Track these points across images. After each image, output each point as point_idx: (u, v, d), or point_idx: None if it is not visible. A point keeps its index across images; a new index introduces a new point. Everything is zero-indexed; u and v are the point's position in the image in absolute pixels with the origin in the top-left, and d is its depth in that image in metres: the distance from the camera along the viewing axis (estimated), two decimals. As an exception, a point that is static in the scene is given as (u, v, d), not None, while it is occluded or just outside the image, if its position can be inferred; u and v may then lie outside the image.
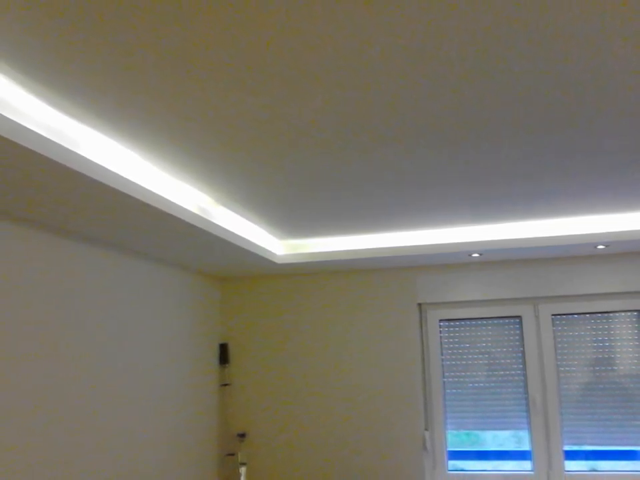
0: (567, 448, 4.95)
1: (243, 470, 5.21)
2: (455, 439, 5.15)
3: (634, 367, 4.90)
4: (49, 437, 3.26)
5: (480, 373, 5.14)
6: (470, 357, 5.18)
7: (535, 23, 1.79)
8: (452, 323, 5.26)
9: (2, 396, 2.95)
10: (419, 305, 5.34)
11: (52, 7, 1.65)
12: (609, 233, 4.41)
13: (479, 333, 5.19)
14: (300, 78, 2.12)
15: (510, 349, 5.13)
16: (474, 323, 5.21)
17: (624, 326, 4.97)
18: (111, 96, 2.23)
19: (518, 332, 5.14)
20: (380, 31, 1.82)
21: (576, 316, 5.07)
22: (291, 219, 4.18)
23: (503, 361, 5.12)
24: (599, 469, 4.90)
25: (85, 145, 2.50)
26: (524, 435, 5.04)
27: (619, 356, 4.94)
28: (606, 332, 4.99)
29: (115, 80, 2.10)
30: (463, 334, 5.22)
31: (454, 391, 5.17)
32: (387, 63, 2.02)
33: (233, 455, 5.43)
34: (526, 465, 5.02)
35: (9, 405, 2.99)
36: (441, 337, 5.27)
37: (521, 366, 5.09)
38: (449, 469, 5.12)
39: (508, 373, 5.10)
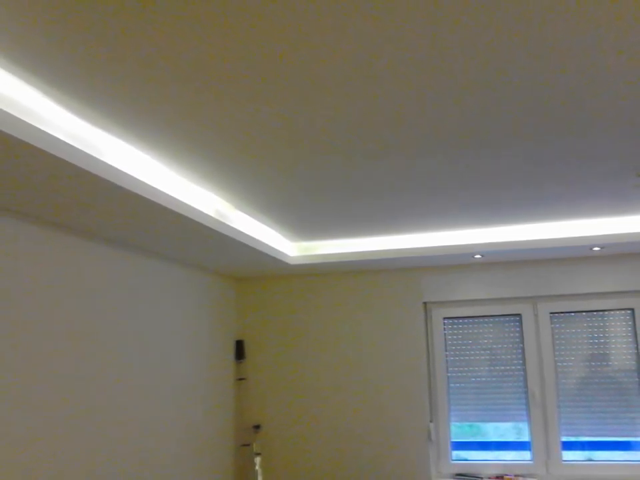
0: (564, 439, 4.92)
1: (257, 460, 5.20)
2: (458, 431, 5.12)
3: (628, 362, 4.87)
4: (75, 428, 3.26)
5: (482, 368, 5.11)
6: (472, 353, 5.15)
7: (534, 36, 1.77)
8: (455, 321, 5.23)
9: (31, 390, 2.96)
10: (424, 303, 5.32)
11: (78, 22, 1.65)
12: (604, 236, 4.38)
13: (481, 330, 5.16)
14: (311, 88, 2.11)
15: (510, 346, 5.10)
16: (476, 320, 5.18)
17: (618, 323, 4.94)
18: (133, 106, 2.22)
19: (518, 329, 5.11)
20: (387, 44, 1.81)
21: (573, 314, 5.03)
22: (303, 222, 4.17)
23: (503, 357, 5.09)
24: (595, 459, 4.87)
25: (109, 152, 2.50)
26: (524, 426, 5.00)
27: (613, 352, 4.91)
28: (601, 329, 4.96)
29: (137, 91, 2.10)
30: (465, 331, 5.19)
31: (457, 385, 5.14)
32: (393, 74, 2.00)
33: (248, 445, 5.42)
34: (525, 455, 4.99)
35: (38, 399, 3.00)
36: (445, 334, 5.24)
37: (521, 361, 5.06)
38: (453, 458, 5.09)
39: (508, 368, 5.07)
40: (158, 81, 2.03)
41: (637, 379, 4.84)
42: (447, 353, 5.21)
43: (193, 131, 2.47)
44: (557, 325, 5.05)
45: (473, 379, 5.12)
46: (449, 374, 5.18)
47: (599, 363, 4.92)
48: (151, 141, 2.57)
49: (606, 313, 4.98)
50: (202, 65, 1.92)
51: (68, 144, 2.25)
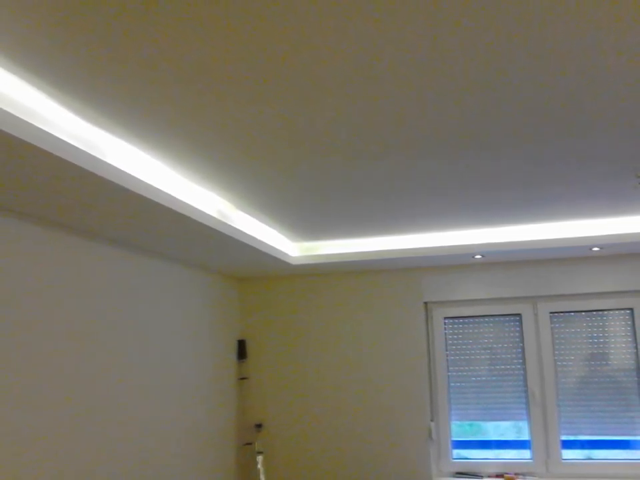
0: (564, 438, 4.92)
1: (259, 458, 5.20)
2: (458, 429, 5.12)
3: (627, 362, 4.86)
4: (77, 428, 3.26)
5: (482, 368, 5.10)
6: (473, 352, 5.14)
7: (534, 38, 1.77)
8: (456, 321, 5.23)
9: (32, 390, 2.95)
10: (425, 303, 5.31)
11: (80, 23, 1.65)
12: (603, 236, 4.37)
13: (481, 330, 5.16)
14: (313, 89, 2.11)
15: (510, 345, 5.10)
16: (476, 320, 5.18)
17: (617, 323, 4.93)
18: (136, 107, 2.22)
19: (518, 329, 5.10)
20: (388, 46, 1.80)
21: (572, 314, 5.03)
22: (304, 223, 4.17)
23: (503, 356, 5.09)
24: (594, 458, 4.86)
25: (112, 153, 2.50)
26: (523, 425, 5.00)
27: (612, 351, 4.90)
28: (601, 329, 4.95)
29: (140, 92, 2.10)
30: (466, 331, 5.19)
31: (458, 384, 5.14)
32: (394, 75, 2.00)
33: (250, 444, 5.42)
34: (525, 454, 4.98)
35: (39, 399, 3.00)
36: (445, 333, 5.24)
37: (521, 361, 5.06)
38: (454, 457, 5.09)
39: (508, 367, 5.07)
40: (160, 82, 2.03)
41: (636, 379, 4.83)
42: (448, 352, 5.21)
43: (194, 131, 2.47)
44: (557, 325, 5.04)
45: (474, 378, 5.11)
46: (450, 373, 5.17)
47: (598, 363, 4.91)
48: (153, 141, 2.57)
49: (605, 312, 4.97)
50: (204, 66, 1.92)
51: (71, 145, 2.25)
